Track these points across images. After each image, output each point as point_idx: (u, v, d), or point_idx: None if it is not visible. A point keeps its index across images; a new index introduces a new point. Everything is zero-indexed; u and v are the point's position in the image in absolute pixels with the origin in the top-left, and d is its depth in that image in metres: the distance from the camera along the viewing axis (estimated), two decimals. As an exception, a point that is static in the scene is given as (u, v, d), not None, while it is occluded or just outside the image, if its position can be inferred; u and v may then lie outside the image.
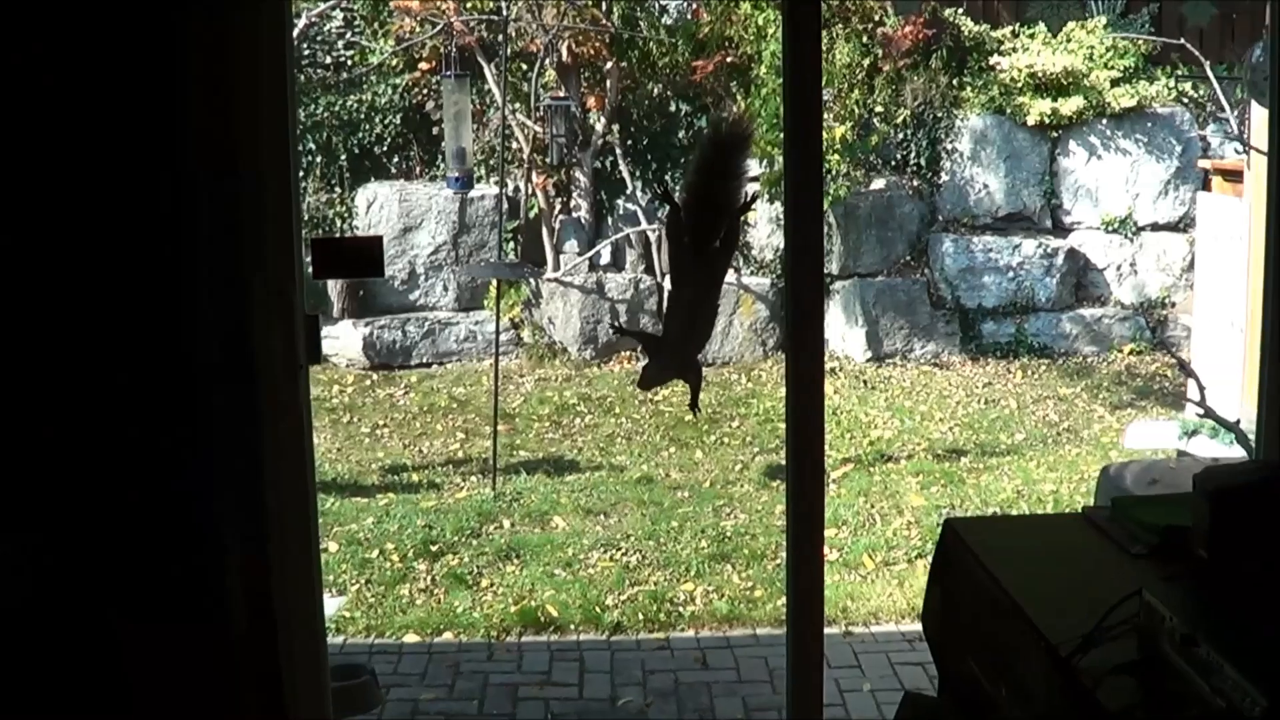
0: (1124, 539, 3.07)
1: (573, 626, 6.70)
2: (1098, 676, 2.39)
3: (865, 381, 10.92)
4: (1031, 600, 2.73)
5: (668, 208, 4.70)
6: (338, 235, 11.30)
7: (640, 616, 6.77)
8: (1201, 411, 5.49)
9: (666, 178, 11.59)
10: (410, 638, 6.62)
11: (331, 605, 6.83)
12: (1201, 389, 5.40)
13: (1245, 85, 5.99)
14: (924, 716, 3.58)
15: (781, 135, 10.29)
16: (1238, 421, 5.59)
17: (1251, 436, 5.58)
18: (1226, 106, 7.29)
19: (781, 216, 10.92)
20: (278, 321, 3.18)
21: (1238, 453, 6.35)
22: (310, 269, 3.50)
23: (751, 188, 10.01)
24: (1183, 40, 8.22)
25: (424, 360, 11.42)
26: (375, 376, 11.12)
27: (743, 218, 4.83)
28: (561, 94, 11.29)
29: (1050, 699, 2.57)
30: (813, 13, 3.65)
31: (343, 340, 11.28)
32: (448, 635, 6.65)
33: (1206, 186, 11.55)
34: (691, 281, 4.62)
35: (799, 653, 3.99)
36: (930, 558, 7.28)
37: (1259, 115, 7.13)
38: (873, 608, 6.84)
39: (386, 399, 10.64)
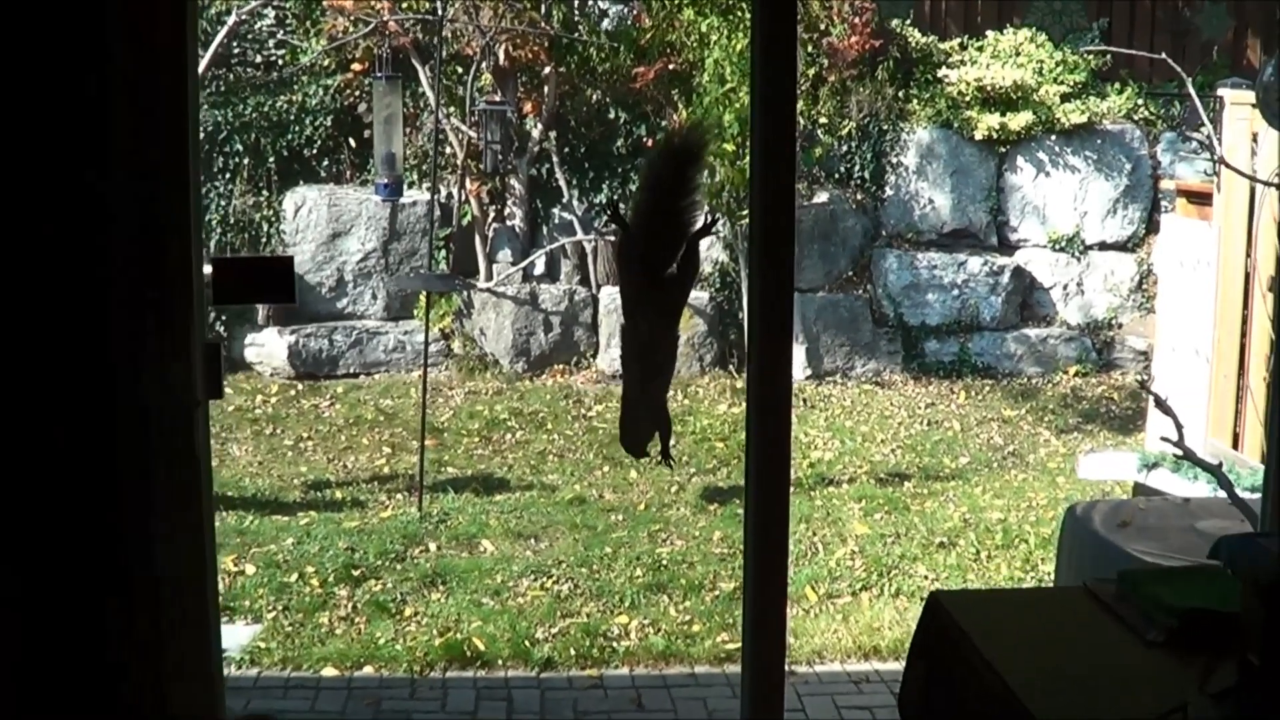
0: (1136, 621, 2.74)
1: (501, 661, 6.33)
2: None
3: (805, 400, 10.62)
4: (1040, 700, 2.39)
5: (618, 230, 4.25)
6: (243, 254, 10.90)
7: (572, 652, 6.40)
8: (1180, 452, 5.22)
9: (614, 194, 11.24)
10: (329, 671, 6.23)
11: (246, 634, 6.52)
12: (1179, 427, 5.12)
13: (1259, 106, 5.72)
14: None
15: (724, 145, 10.04)
16: (1220, 465, 5.31)
17: (1228, 475, 5.32)
18: (1209, 125, 7.03)
19: (719, 228, 10.73)
20: (171, 350, 2.76)
21: (1202, 489, 6.10)
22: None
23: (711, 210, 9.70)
24: (1163, 55, 8.02)
25: (351, 370, 11.08)
26: (300, 386, 10.75)
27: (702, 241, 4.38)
28: (497, 98, 10.99)
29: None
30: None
31: (267, 348, 10.96)
32: (368, 669, 6.26)
33: (1156, 207, 11.37)
34: (647, 313, 4.21)
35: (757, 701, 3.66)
36: (875, 589, 7.09)
37: (1230, 136, 6.90)
38: (817, 645, 6.50)
39: (311, 410, 10.28)
